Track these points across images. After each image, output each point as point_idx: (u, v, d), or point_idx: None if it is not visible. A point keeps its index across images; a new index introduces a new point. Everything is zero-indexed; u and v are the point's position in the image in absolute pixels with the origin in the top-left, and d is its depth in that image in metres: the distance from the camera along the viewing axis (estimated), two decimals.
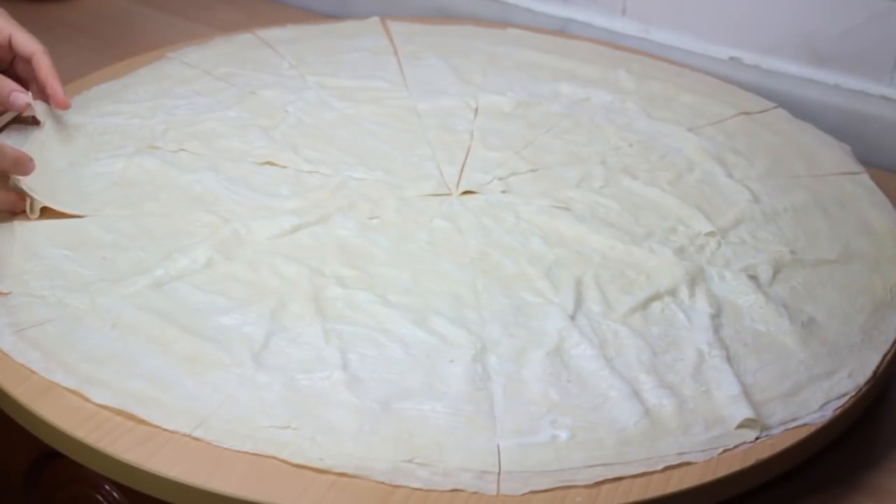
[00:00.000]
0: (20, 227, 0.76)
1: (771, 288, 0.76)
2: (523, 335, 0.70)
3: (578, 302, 0.73)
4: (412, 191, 0.85)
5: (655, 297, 0.74)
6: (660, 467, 0.61)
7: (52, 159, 0.83)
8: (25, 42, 0.85)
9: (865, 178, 0.90)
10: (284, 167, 0.86)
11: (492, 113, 0.97)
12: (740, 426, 0.64)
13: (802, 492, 0.66)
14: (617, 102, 1.00)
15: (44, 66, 0.85)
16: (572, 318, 0.71)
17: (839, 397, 0.67)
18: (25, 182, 0.77)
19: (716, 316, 0.72)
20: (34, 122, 0.86)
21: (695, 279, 0.76)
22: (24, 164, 0.77)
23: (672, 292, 0.74)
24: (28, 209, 0.77)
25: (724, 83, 1.05)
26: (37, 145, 0.84)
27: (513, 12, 1.19)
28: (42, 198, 0.77)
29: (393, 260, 0.76)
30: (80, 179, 0.82)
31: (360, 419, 0.62)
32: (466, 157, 0.90)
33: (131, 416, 0.62)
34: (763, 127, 0.98)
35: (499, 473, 0.60)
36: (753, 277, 0.76)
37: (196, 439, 0.60)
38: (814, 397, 0.67)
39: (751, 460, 0.62)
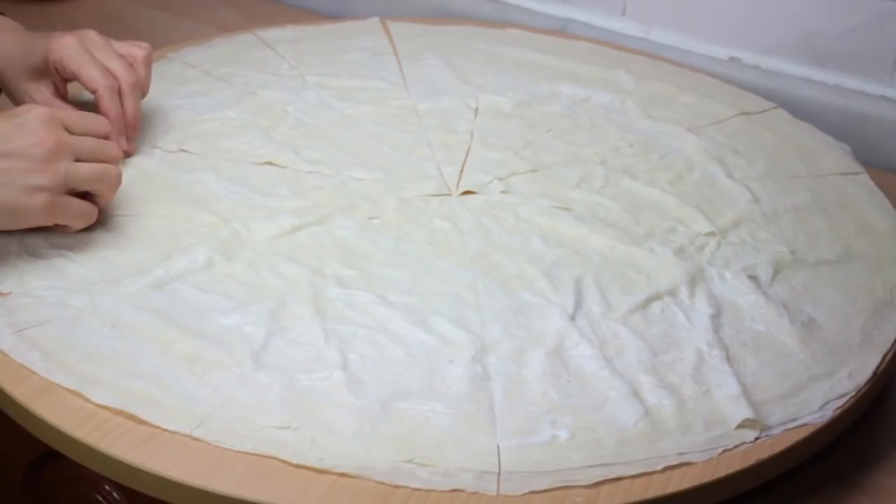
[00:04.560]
0: None
1: (771, 288, 0.76)
2: (523, 335, 0.70)
3: (578, 302, 0.73)
4: (412, 191, 0.85)
5: (655, 297, 0.74)
6: (660, 467, 0.61)
7: None
8: (92, 78, 0.81)
9: (865, 178, 0.90)
10: (284, 167, 0.86)
11: (492, 113, 0.97)
12: (740, 426, 0.64)
13: (802, 492, 0.67)
14: (617, 102, 1.00)
15: (104, 103, 0.81)
16: (572, 318, 0.71)
17: (839, 397, 0.67)
18: None
19: (716, 316, 0.72)
20: None
21: (695, 279, 0.76)
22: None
23: (672, 292, 0.74)
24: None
25: (724, 83, 1.05)
26: None
27: (513, 12, 1.19)
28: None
29: (393, 260, 0.76)
30: None
31: (360, 419, 0.62)
32: (466, 158, 0.90)
33: (131, 416, 0.62)
34: (763, 127, 0.98)
35: (499, 473, 0.60)
36: (753, 277, 0.76)
37: (196, 439, 0.60)
38: (814, 397, 0.67)
39: (751, 460, 0.62)
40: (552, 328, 0.70)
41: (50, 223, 0.72)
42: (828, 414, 0.66)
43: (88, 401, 0.62)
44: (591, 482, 0.60)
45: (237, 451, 0.60)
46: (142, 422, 0.61)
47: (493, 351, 0.68)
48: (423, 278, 0.74)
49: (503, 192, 0.85)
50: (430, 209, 0.83)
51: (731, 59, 1.10)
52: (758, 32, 1.08)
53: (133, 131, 0.84)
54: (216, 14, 1.24)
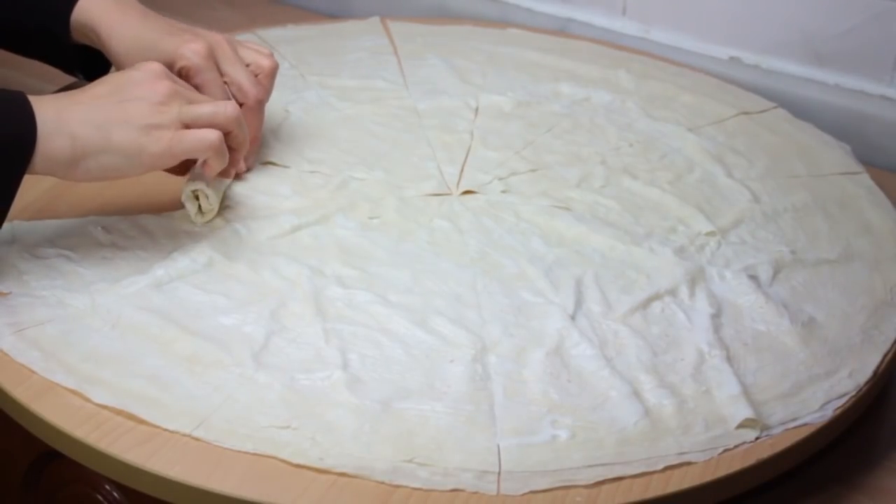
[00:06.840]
0: (20, 227, 0.76)
1: (771, 288, 0.76)
2: (523, 335, 0.70)
3: (578, 302, 0.73)
4: (412, 191, 0.85)
5: (655, 297, 0.74)
6: (660, 467, 0.61)
7: None
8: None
9: (865, 178, 0.90)
10: (285, 167, 0.87)
11: (492, 113, 0.97)
12: (740, 426, 0.64)
13: (802, 492, 0.67)
14: (617, 102, 1.00)
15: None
16: (572, 317, 0.71)
17: (839, 397, 0.67)
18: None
19: (716, 316, 0.72)
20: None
21: (695, 279, 0.76)
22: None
23: (672, 292, 0.74)
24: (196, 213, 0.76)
25: (724, 83, 1.05)
26: None
27: (513, 12, 1.19)
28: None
29: (393, 260, 0.76)
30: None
31: (360, 419, 0.62)
32: (466, 157, 0.90)
33: (131, 416, 0.62)
34: (763, 127, 0.98)
35: (499, 473, 0.60)
36: (753, 277, 0.76)
37: (196, 439, 0.61)
38: (814, 397, 0.67)
39: (751, 460, 0.62)
40: (552, 328, 0.70)
41: (173, 161, 0.71)
42: (828, 414, 0.66)
43: (88, 400, 0.62)
44: (591, 482, 0.60)
45: (237, 451, 0.60)
46: (142, 422, 0.61)
47: (494, 351, 0.68)
48: (423, 278, 0.74)
49: (503, 191, 0.85)
50: (430, 209, 0.83)
51: (731, 58, 1.10)
52: (758, 32, 1.08)
53: (254, 147, 0.83)
54: (216, 14, 1.24)
